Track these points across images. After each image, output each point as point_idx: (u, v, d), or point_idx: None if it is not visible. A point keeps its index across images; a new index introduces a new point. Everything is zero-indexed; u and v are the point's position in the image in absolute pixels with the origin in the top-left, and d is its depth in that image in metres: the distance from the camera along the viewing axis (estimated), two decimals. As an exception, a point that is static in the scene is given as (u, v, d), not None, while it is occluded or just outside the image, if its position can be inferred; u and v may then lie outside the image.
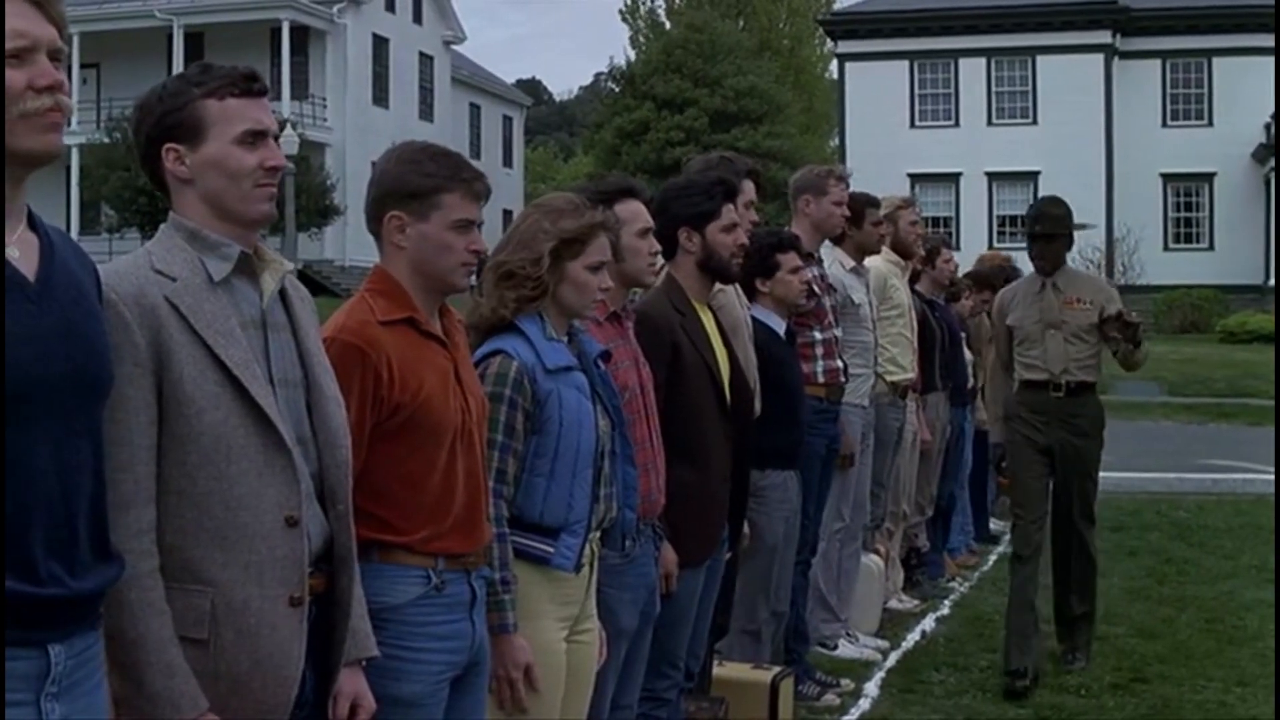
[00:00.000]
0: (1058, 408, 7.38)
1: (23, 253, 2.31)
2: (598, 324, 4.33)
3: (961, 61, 43.56)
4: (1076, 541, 7.45)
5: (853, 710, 6.71)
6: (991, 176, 42.96)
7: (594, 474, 3.92)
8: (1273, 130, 37.36)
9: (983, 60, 43.43)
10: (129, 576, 2.54)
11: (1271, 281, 28.11)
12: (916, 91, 44.16)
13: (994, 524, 11.58)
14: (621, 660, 4.36)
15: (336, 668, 2.98)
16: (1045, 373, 7.38)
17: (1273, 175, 39.24)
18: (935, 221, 39.34)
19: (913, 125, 43.85)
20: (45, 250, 2.36)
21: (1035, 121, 42.98)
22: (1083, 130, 41.58)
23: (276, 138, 2.92)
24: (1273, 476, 11.24)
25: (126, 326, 2.64)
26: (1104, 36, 42.53)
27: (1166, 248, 42.60)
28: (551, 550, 3.84)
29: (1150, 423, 20.69)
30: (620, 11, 60.61)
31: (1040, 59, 42.84)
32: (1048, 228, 7.50)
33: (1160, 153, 42.18)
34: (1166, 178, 42.81)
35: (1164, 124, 43.08)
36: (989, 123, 43.36)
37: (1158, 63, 43.05)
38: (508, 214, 41.15)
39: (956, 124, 43.61)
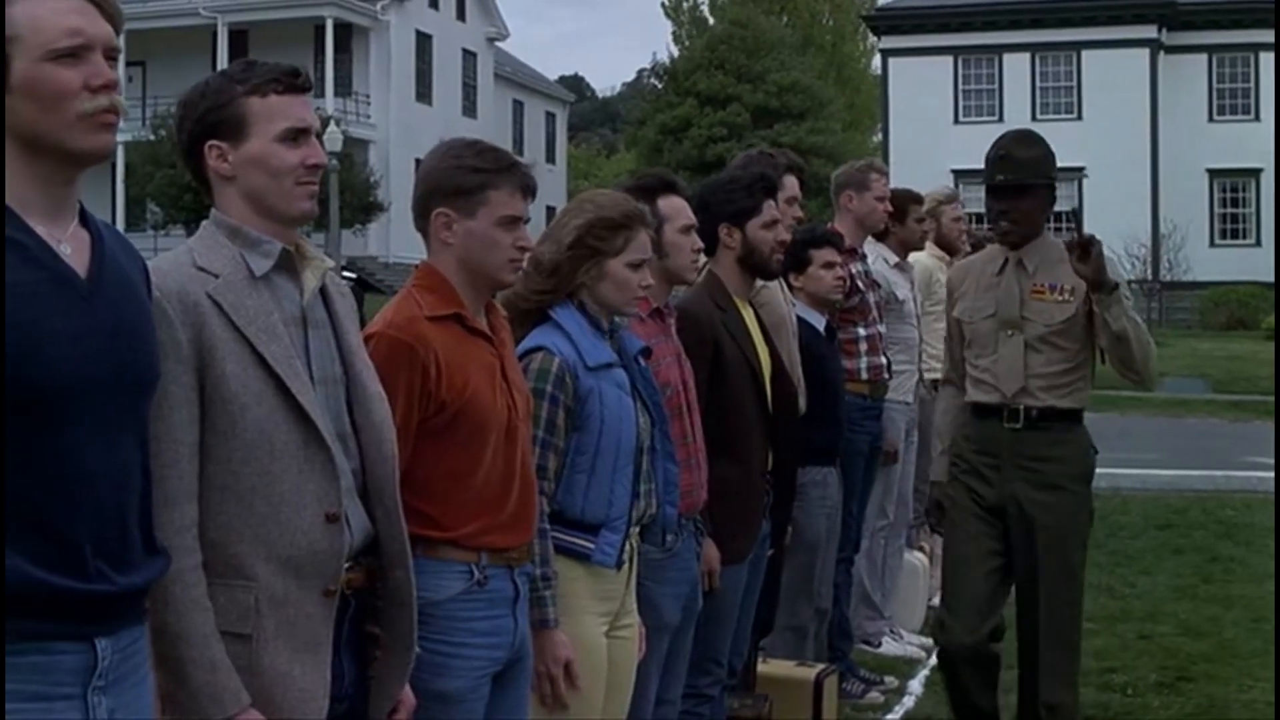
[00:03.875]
0: (1013, 446, 5.25)
1: (75, 249, 2.32)
2: (640, 320, 4.33)
3: (1006, 57, 43.28)
4: (1053, 633, 5.26)
5: (897, 708, 6.69)
6: (1036, 172, 42.62)
7: (634, 470, 3.92)
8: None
9: (1027, 55, 43.15)
10: (173, 572, 2.56)
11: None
12: (960, 87, 43.89)
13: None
14: (664, 655, 4.36)
15: (387, 666, 2.98)
16: (995, 392, 5.29)
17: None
18: (979, 218, 39.05)
19: (956, 121, 43.54)
20: (97, 247, 2.37)
21: (1080, 117, 42.61)
22: (1128, 126, 41.23)
23: (319, 135, 2.92)
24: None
25: (170, 323, 2.64)
26: (1149, 31, 42.19)
27: (1213, 244, 42.19)
28: (592, 546, 3.85)
29: (1196, 420, 20.57)
30: (663, 6, 60.55)
31: (1085, 54, 42.51)
32: (1016, 176, 5.24)
33: (1206, 148, 41.77)
34: (1213, 173, 42.43)
35: (1210, 119, 42.69)
36: (1033, 118, 42.92)
37: (1204, 57, 42.66)
38: (551, 210, 40.96)
39: (1001, 119, 43.17)
